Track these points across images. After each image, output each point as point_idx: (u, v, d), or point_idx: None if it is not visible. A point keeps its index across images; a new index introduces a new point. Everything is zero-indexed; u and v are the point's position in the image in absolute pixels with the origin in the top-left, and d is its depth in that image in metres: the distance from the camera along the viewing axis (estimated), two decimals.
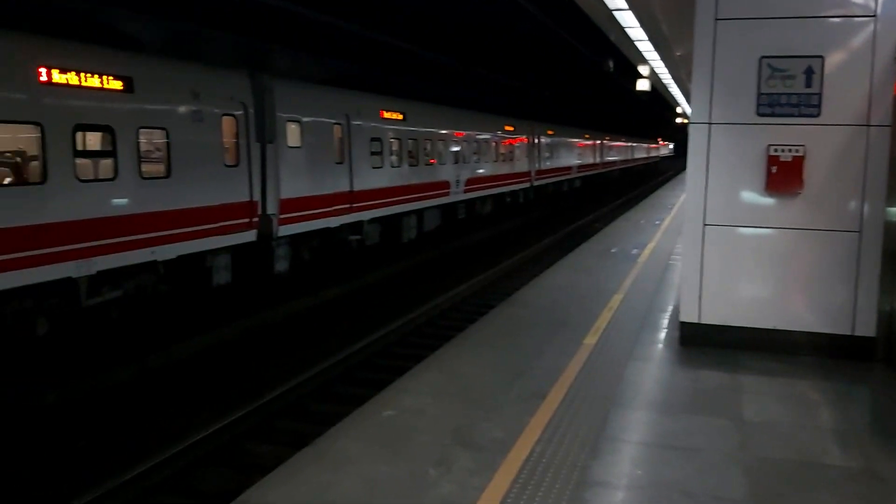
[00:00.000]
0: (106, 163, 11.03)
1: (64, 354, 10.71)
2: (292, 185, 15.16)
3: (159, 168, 11.91)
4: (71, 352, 10.83)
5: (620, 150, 62.48)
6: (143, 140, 11.51)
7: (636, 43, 16.76)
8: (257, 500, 4.94)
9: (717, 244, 8.24)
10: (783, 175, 7.93)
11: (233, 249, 13.71)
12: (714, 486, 5.13)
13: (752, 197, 8.13)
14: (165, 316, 12.66)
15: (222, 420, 8.59)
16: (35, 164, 9.96)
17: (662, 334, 9.15)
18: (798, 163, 7.87)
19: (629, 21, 13.77)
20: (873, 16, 7.53)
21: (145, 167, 11.57)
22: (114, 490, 7.03)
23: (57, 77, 10.01)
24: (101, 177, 10.96)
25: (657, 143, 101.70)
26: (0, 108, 9.38)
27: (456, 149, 24.71)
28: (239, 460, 8.03)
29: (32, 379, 9.87)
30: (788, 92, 7.90)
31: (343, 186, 17.31)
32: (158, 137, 11.87)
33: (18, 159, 10.22)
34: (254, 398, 9.32)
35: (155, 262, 11.77)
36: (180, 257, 12.23)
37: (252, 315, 13.64)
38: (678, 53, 18.42)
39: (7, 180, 9.71)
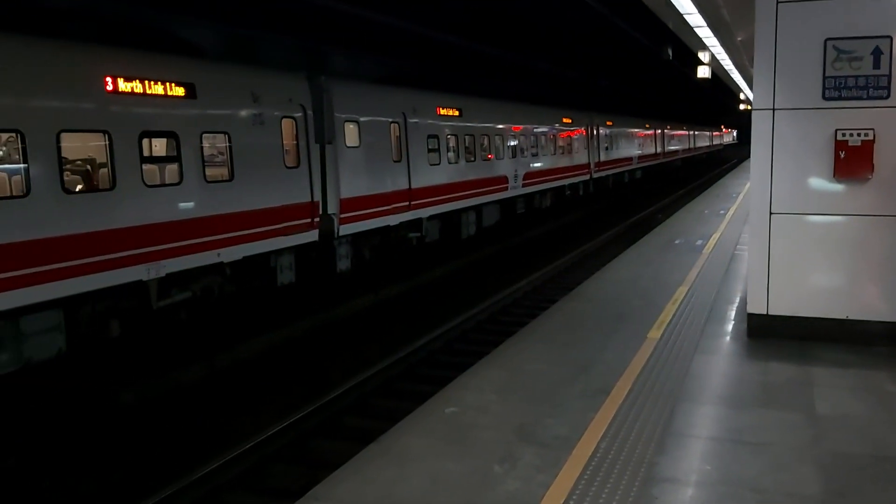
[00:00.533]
0: (171, 168, 11.31)
1: (137, 355, 11.04)
2: (352, 184, 15.32)
3: (222, 171, 12.18)
4: (143, 353, 11.17)
5: (682, 139, 61.27)
6: (206, 145, 11.77)
7: (695, 29, 16.40)
8: (325, 495, 5.02)
9: (785, 233, 8.02)
10: (852, 160, 7.68)
11: (296, 249, 13.94)
12: (787, 482, 5.01)
13: (820, 184, 7.89)
14: (232, 316, 12.95)
15: (289, 418, 8.75)
16: (104, 171, 10.30)
17: (729, 326, 8.96)
18: (867, 147, 7.61)
19: (687, 7, 13.48)
20: None
21: (209, 171, 11.83)
22: (185, 488, 7.23)
23: (123, 86, 10.32)
24: (167, 182, 11.26)
25: (720, 130, 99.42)
26: (70, 117, 9.71)
27: (513, 143, 24.59)
28: (306, 457, 8.17)
29: (108, 379, 10.21)
30: (856, 74, 7.64)
31: (401, 184, 17.41)
32: (221, 142, 12.13)
33: (88, 167, 10.58)
34: (319, 396, 9.47)
35: (221, 263, 12.03)
36: (245, 258, 12.49)
37: (315, 314, 13.84)
38: (739, 38, 17.96)
39: (79, 187, 10.05)
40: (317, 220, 14.23)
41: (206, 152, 11.82)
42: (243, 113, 12.55)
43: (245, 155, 12.42)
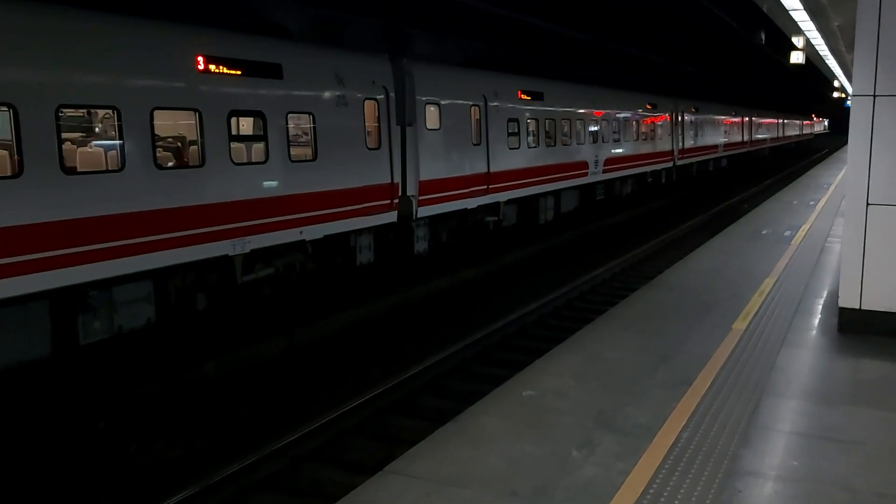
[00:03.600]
0: (258, 147, 11.57)
1: (221, 328, 11.38)
2: (431, 167, 15.37)
3: (306, 151, 12.39)
4: (227, 326, 11.50)
5: (770, 128, 59.21)
6: (291, 125, 11.99)
7: (791, 13, 15.79)
8: (402, 470, 5.07)
9: (882, 225, 7.67)
10: None
11: (375, 230, 14.09)
12: (879, 482, 4.81)
13: None
14: (312, 293, 13.20)
15: (366, 394, 8.88)
16: (194, 148, 10.60)
17: (818, 320, 8.64)
18: None
19: None
20: None
21: (293, 151, 12.05)
22: (265, 458, 7.42)
23: (213, 66, 10.58)
24: (253, 160, 11.52)
25: (810, 119, 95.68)
26: (163, 96, 10.02)
27: (594, 128, 24.22)
28: (383, 433, 8.27)
29: (193, 351, 10.57)
30: None
31: (480, 168, 17.38)
32: (305, 122, 12.33)
33: (179, 144, 10.92)
34: (396, 374, 9.58)
35: (303, 241, 12.27)
36: (326, 237, 12.70)
37: (393, 294, 13.98)
38: (836, 23, 17.20)
39: (170, 164, 10.38)
40: (396, 201, 14.35)
41: (291, 132, 12.03)
42: (327, 94, 12.71)
43: (328, 135, 12.59)
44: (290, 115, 11.91)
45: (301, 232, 12.10)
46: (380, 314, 13.12)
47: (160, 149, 10.15)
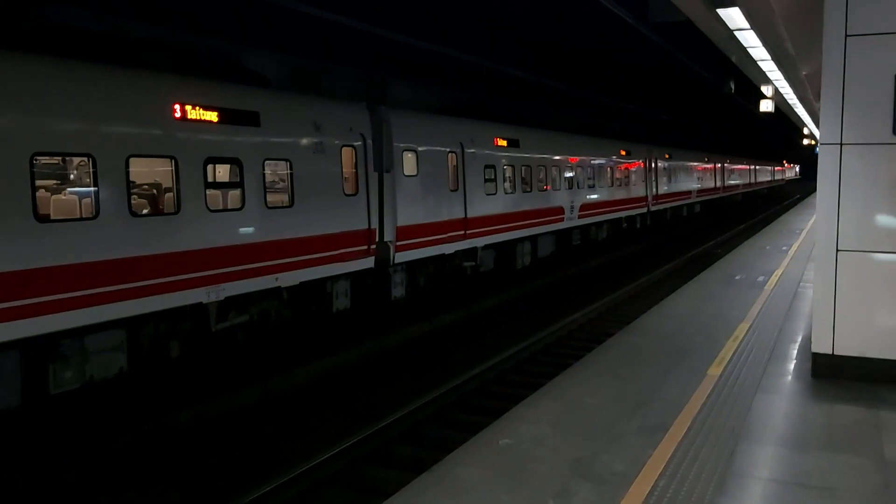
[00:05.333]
0: (234, 193, 11.57)
1: (195, 376, 11.23)
2: (408, 212, 15.44)
3: (283, 198, 12.40)
4: (200, 374, 11.35)
5: (742, 174, 60.25)
6: (268, 171, 12.02)
7: (759, 63, 16.18)
8: None
9: (852, 271, 7.79)
10: None
11: (352, 275, 14.07)
12: None
13: (890, 221, 7.66)
14: (288, 340, 13.09)
15: (342, 443, 8.77)
16: (170, 195, 10.58)
17: (793, 366, 8.70)
18: None
19: (751, 41, 13.31)
20: None
21: (270, 197, 12.06)
22: None
23: (190, 113, 10.63)
24: (229, 207, 11.50)
25: (782, 165, 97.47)
26: (139, 143, 10.01)
27: (570, 174, 24.51)
28: (359, 483, 8.16)
29: (166, 399, 10.40)
30: None
31: (457, 213, 17.48)
32: (282, 168, 12.37)
33: (155, 191, 10.89)
34: (372, 422, 9.48)
35: (279, 288, 12.21)
36: (302, 283, 12.65)
37: (370, 340, 13.91)
38: (804, 73, 17.64)
39: (144, 211, 10.34)
40: (373, 247, 14.36)
41: (268, 179, 12.06)
42: (304, 141, 12.78)
43: (305, 182, 12.63)
44: (266, 162, 11.95)
45: (276, 279, 12.05)
46: (356, 361, 13.02)
47: (135, 196, 10.11)
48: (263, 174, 11.87)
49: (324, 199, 13.09)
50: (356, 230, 13.87)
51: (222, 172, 11.81)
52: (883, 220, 7.72)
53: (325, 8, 15.65)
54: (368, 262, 14.29)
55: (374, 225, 14.38)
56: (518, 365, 12.69)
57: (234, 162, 11.49)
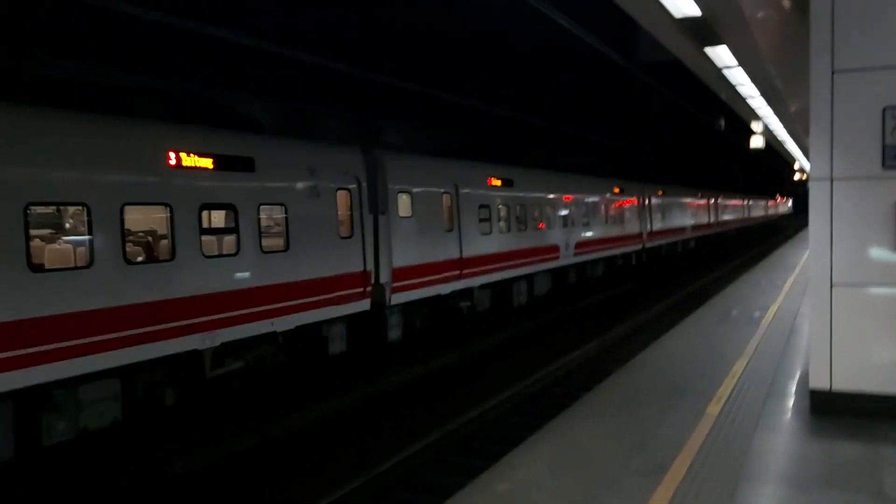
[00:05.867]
0: (229, 239, 11.58)
1: (190, 424, 11.12)
2: (404, 254, 15.46)
3: (278, 242, 12.42)
4: (197, 422, 11.24)
5: (736, 209, 60.56)
6: (263, 216, 12.06)
7: (748, 100, 16.38)
8: None
9: (847, 305, 7.77)
10: None
11: (347, 318, 14.02)
12: None
13: (883, 254, 7.66)
14: (284, 385, 12.99)
15: (339, 491, 8.66)
16: (165, 242, 10.59)
17: (791, 402, 8.63)
18: None
19: (739, 78, 13.49)
20: None
21: (265, 241, 12.08)
22: None
23: (185, 161, 10.69)
24: (224, 252, 11.50)
25: (774, 200, 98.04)
26: (134, 192, 10.05)
27: (564, 212, 24.62)
28: None
29: (162, 448, 10.28)
30: None
31: (453, 254, 17.50)
32: (278, 213, 12.41)
33: (150, 238, 10.91)
34: (369, 468, 9.37)
35: (274, 332, 12.16)
36: (298, 327, 12.60)
37: (366, 384, 13.81)
38: (793, 109, 17.85)
39: (139, 259, 10.33)
40: (369, 289, 14.34)
41: (263, 223, 12.10)
42: (299, 185, 12.85)
43: (300, 226, 12.66)
44: (262, 207, 12.00)
45: (272, 323, 12.01)
46: (353, 405, 12.91)
47: (130, 244, 10.12)
48: (258, 219, 11.91)
49: (319, 242, 13.12)
50: (352, 273, 13.87)
51: (217, 218, 11.85)
52: (876, 253, 7.72)
53: (318, 54, 15.87)
54: (364, 305, 14.27)
55: (370, 267, 14.39)
56: (517, 407, 12.59)
57: (229, 208, 11.53)
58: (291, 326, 12.44)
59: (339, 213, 13.72)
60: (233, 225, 11.55)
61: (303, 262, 12.69)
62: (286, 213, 12.42)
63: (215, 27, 13.85)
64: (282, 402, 12.34)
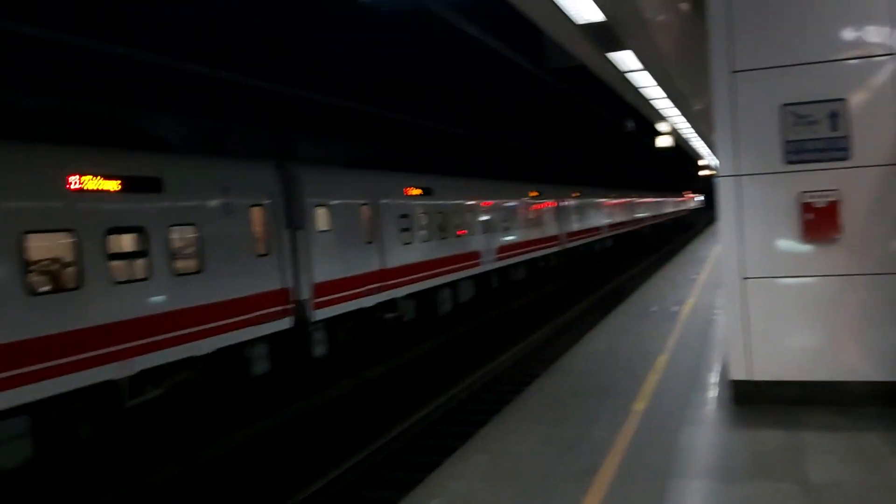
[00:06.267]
0: (139, 263, 11.17)
1: (109, 458, 10.64)
2: (324, 268, 15.23)
3: (192, 263, 12.04)
4: (116, 455, 10.77)
5: (648, 207, 62.29)
6: (174, 237, 11.68)
7: (653, 101, 16.81)
8: None
9: (760, 297, 8.01)
10: (819, 221, 7.75)
11: (270, 338, 13.71)
12: None
13: (791, 246, 7.93)
14: (207, 410, 12.59)
15: None
16: (71, 269, 10.12)
17: (713, 394, 8.84)
18: (833, 208, 7.70)
19: (644, 81, 13.82)
20: (892, 54, 7.45)
21: (178, 264, 11.70)
22: None
23: (88, 184, 10.25)
24: (135, 277, 11.08)
25: (685, 196, 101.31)
26: (34, 218, 9.58)
27: (484, 218, 24.79)
28: None
29: (82, 484, 9.79)
30: (815, 137, 7.78)
31: (375, 265, 17.36)
32: (190, 233, 12.04)
33: (55, 266, 10.40)
34: (301, 489, 9.14)
35: (193, 357, 11.77)
36: (218, 350, 12.24)
37: (293, 403, 13.51)
38: (697, 108, 18.41)
39: (44, 289, 9.84)
40: (290, 306, 14.06)
41: (175, 245, 11.72)
42: (211, 204, 12.50)
43: (214, 245, 12.32)
44: (172, 228, 11.61)
45: (190, 348, 11.63)
46: (280, 426, 12.61)
47: (33, 273, 9.63)
48: (169, 241, 11.52)
49: (235, 261, 12.80)
50: (271, 291, 13.58)
51: (126, 242, 11.40)
52: (784, 245, 7.98)
53: (228, 69, 15.52)
54: (286, 323, 13.98)
55: (290, 284, 14.11)
56: (447, 415, 12.54)
57: (137, 231, 11.12)
58: (211, 349, 12.08)
59: (254, 230, 13.41)
60: (143, 248, 11.14)
61: (219, 283, 12.34)
62: (198, 233, 12.06)
63: (119, 45, 13.37)
64: (207, 428, 11.94)
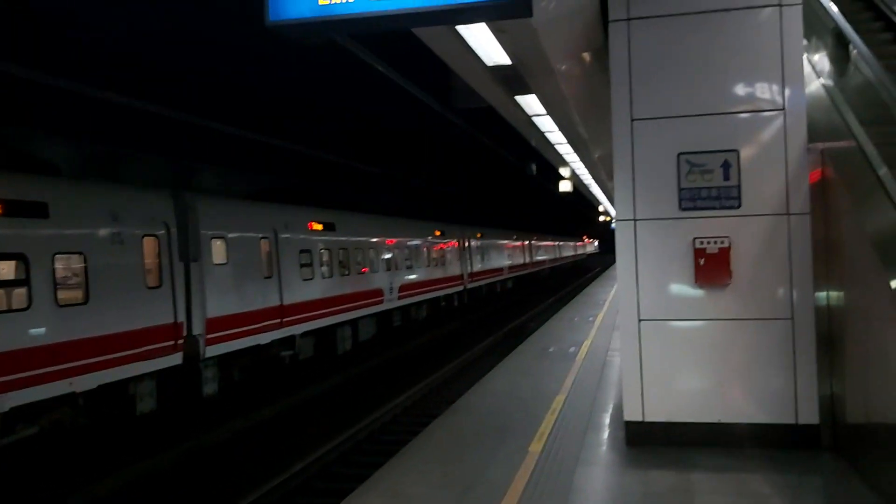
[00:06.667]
0: (19, 292, 10.50)
1: None
2: (219, 303, 14.72)
3: (77, 294, 11.41)
4: None
5: (548, 250, 63.68)
6: (59, 266, 11.05)
7: (556, 146, 17.24)
8: None
9: (654, 339, 8.18)
10: (711, 267, 8.01)
11: (158, 374, 13.09)
12: None
13: (684, 290, 8.16)
14: (87, 451, 11.84)
15: None
16: None
17: (608, 435, 8.93)
18: (724, 254, 7.97)
19: (548, 126, 14.16)
20: (781, 110, 7.84)
21: (62, 294, 11.07)
22: None
23: None
24: (13, 307, 10.40)
25: (583, 240, 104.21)
26: None
27: (387, 256, 24.68)
28: None
29: None
30: (708, 185, 8.07)
31: (273, 301, 16.93)
32: (76, 262, 11.42)
33: None
34: None
35: (73, 393, 11.09)
36: (101, 386, 11.58)
37: (180, 443, 12.87)
38: (596, 155, 19.00)
39: None
40: (180, 342, 13.49)
41: (59, 274, 11.08)
42: (101, 232, 11.94)
43: (102, 276, 11.74)
44: (57, 256, 10.99)
45: (71, 383, 10.96)
46: (166, 467, 11.96)
47: None
48: (53, 269, 10.89)
49: (123, 293, 12.21)
50: (161, 325, 13.00)
51: (5, 269, 10.71)
52: (677, 289, 8.20)
53: (124, 93, 14.98)
54: (175, 359, 13.39)
55: (182, 318, 13.56)
56: (342, 456, 12.21)
57: (18, 258, 10.46)
58: (93, 386, 11.41)
59: (145, 261, 12.86)
60: (23, 276, 10.47)
61: (105, 315, 11.73)
62: (85, 262, 11.46)
63: (5, 62, 12.70)
64: (85, 470, 11.20)
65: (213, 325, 14.47)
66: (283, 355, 17.60)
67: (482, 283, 37.22)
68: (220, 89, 19.61)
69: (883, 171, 6.77)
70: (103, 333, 11.62)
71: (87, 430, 11.71)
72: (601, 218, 60.43)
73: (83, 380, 11.20)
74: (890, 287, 5.63)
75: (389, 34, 6.97)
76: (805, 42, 8.53)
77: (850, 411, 7.29)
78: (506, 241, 43.90)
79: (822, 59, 9.45)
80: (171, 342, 13.23)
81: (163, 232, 13.31)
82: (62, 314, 10.96)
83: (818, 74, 9.26)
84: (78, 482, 10.72)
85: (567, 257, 79.87)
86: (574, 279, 64.16)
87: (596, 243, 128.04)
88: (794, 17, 7.86)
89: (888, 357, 6.03)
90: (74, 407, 11.32)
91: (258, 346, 16.30)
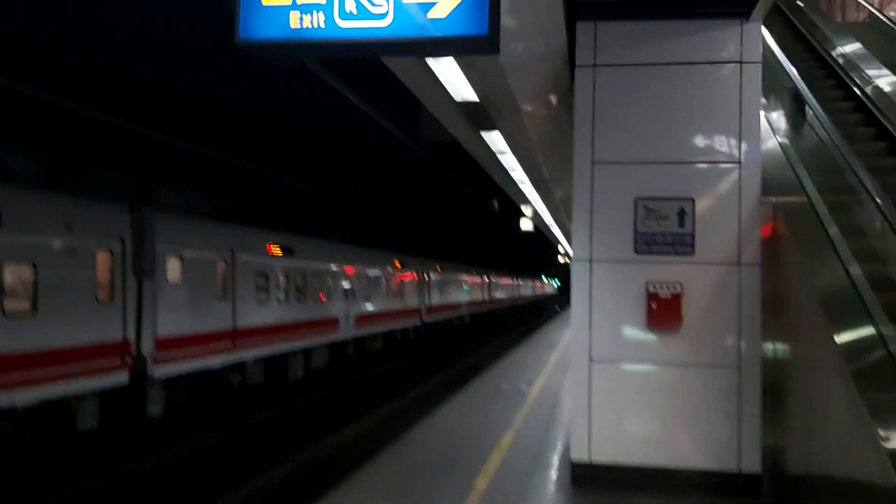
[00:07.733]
0: None
1: None
2: (170, 322, 14.47)
3: (24, 305, 11.13)
4: None
5: (507, 288, 63.94)
6: (7, 275, 10.79)
7: (519, 184, 17.40)
8: None
9: (604, 380, 8.21)
10: (663, 311, 8.09)
11: (102, 393, 12.76)
12: None
13: (636, 333, 8.23)
14: (24, 468, 11.46)
15: None
16: None
17: (555, 474, 8.92)
18: (676, 300, 8.07)
19: (512, 164, 14.30)
20: (737, 163, 8.04)
21: (8, 304, 10.79)
22: None
23: None
24: None
25: (542, 281, 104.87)
26: None
27: (346, 284, 24.53)
28: None
29: None
30: (663, 231, 8.19)
31: (225, 324, 16.69)
32: (25, 272, 11.16)
33: None
34: None
35: (13, 408, 10.76)
36: (42, 402, 11.26)
37: (121, 464, 12.53)
38: (558, 196, 19.21)
39: None
40: (128, 360, 13.21)
41: (7, 282, 10.82)
42: (53, 242, 11.70)
43: (51, 287, 11.48)
44: (5, 264, 10.73)
45: (10, 397, 10.63)
46: (104, 487, 11.61)
47: None
48: (2, 278, 10.63)
49: (72, 306, 11.94)
50: (109, 342, 12.72)
51: None
52: (629, 331, 8.27)
53: (89, 104, 14.79)
54: (122, 378, 13.08)
55: (131, 336, 13.29)
56: (285, 486, 11.99)
57: None
58: (33, 400, 11.08)
59: (97, 275, 12.62)
60: None
61: (51, 328, 11.45)
62: (35, 273, 11.20)
63: None
64: (22, 488, 10.83)
65: (164, 344, 14.20)
66: (232, 380, 17.31)
67: (440, 317, 37.14)
68: (186, 107, 19.48)
69: (833, 229, 6.95)
70: (48, 347, 11.33)
71: (26, 446, 11.35)
72: (560, 259, 61.00)
73: (24, 394, 10.89)
74: (834, 342, 5.74)
75: (362, 62, 7.02)
76: (763, 100, 8.78)
77: (792, 463, 7.38)
78: (465, 277, 43.98)
79: (779, 117, 9.74)
80: (118, 360, 12.94)
81: (117, 246, 13.09)
82: (6, 325, 10.68)
83: (775, 131, 9.52)
84: (19, 498, 10.36)
85: (526, 296, 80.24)
86: (531, 319, 64.35)
87: (554, 284, 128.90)
88: (754, 74, 8.10)
89: (829, 411, 6.13)
90: (14, 422, 10.97)
91: (209, 369, 16.02)
